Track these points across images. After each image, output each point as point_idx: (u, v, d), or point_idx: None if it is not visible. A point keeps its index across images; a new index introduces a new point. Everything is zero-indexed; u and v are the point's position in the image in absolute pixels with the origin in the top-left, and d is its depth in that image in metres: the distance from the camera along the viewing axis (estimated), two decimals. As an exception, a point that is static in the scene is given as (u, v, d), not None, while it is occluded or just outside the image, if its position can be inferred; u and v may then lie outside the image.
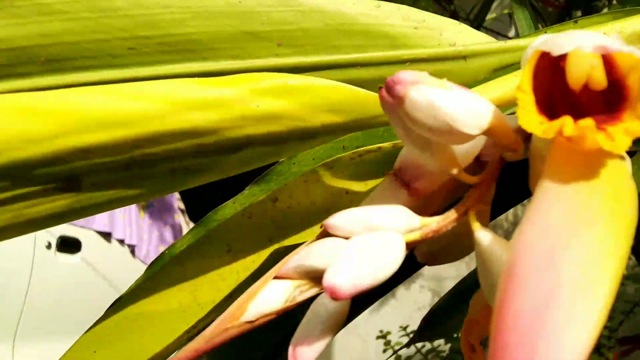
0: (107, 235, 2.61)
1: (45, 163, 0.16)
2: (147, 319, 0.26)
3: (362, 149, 0.22)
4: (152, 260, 0.30)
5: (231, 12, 0.18)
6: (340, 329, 0.16)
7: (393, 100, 0.14)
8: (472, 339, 0.20)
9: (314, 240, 0.16)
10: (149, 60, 0.19)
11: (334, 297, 0.13)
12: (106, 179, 0.19)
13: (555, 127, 0.13)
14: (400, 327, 1.53)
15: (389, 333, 1.53)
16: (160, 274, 0.26)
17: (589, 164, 0.13)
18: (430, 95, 0.13)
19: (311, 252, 0.15)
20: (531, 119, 0.13)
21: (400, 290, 2.10)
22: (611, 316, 1.40)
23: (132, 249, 2.75)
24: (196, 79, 0.18)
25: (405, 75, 0.13)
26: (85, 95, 0.17)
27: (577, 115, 0.14)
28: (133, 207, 2.79)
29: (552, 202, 0.13)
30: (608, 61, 0.14)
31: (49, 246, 2.23)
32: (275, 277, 0.16)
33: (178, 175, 0.19)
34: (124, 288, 0.31)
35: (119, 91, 0.17)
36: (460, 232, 0.17)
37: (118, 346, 0.27)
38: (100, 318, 0.27)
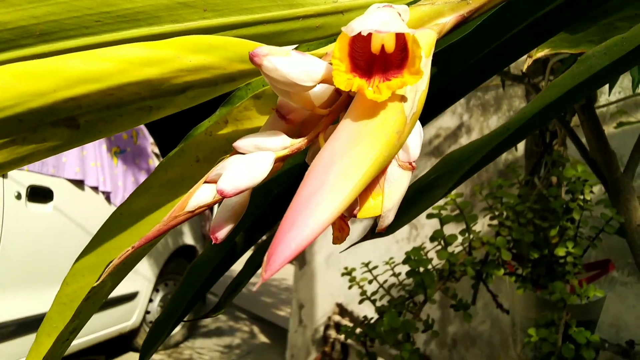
0: (79, 183, 2.71)
1: (50, 109, 0.26)
2: (146, 213, 0.37)
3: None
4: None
5: (167, -11, 0.28)
6: (240, 218, 0.27)
7: (256, 66, 0.24)
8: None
9: (228, 156, 0.27)
10: (111, 29, 0.28)
11: (223, 195, 0.24)
12: (95, 117, 0.29)
13: (351, 84, 0.23)
14: (362, 263, 1.66)
15: (353, 269, 1.65)
16: (151, 180, 0.37)
17: (373, 106, 0.24)
18: (275, 63, 0.24)
19: (224, 165, 0.26)
20: (341, 78, 0.23)
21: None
22: (576, 242, 1.50)
23: (107, 195, 2.87)
24: (146, 42, 0.27)
25: (259, 50, 0.24)
26: (69, 60, 0.27)
27: (385, 71, 0.24)
28: (105, 154, 2.87)
29: (342, 131, 0.23)
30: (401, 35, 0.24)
31: (18, 196, 2.32)
32: (206, 182, 0.27)
33: (144, 111, 0.30)
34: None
35: (92, 55, 0.27)
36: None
37: (128, 233, 0.38)
38: (113, 213, 0.38)
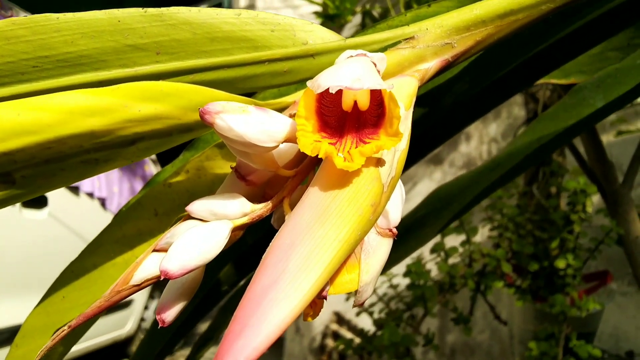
0: (74, 189, 2.67)
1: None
2: (98, 271, 0.34)
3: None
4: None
5: (113, 30, 0.25)
6: (194, 293, 0.23)
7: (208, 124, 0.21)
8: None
9: (182, 221, 0.24)
10: (51, 74, 0.25)
11: (167, 277, 0.20)
12: (33, 172, 0.26)
13: (318, 148, 0.20)
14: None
15: None
16: (103, 236, 0.34)
17: (344, 173, 0.20)
18: (230, 122, 0.20)
19: (175, 232, 0.23)
20: (306, 140, 0.20)
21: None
22: (576, 254, 1.48)
23: (102, 201, 2.83)
24: (88, 89, 0.24)
25: (211, 107, 0.20)
26: (0, 111, 0.23)
27: (359, 128, 0.21)
28: (100, 158, 2.84)
29: (307, 205, 0.20)
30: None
31: (12, 204, 2.29)
32: (154, 251, 0.23)
33: (90, 164, 0.26)
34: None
35: (26, 105, 0.23)
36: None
37: (80, 292, 0.35)
38: (65, 269, 0.35)
